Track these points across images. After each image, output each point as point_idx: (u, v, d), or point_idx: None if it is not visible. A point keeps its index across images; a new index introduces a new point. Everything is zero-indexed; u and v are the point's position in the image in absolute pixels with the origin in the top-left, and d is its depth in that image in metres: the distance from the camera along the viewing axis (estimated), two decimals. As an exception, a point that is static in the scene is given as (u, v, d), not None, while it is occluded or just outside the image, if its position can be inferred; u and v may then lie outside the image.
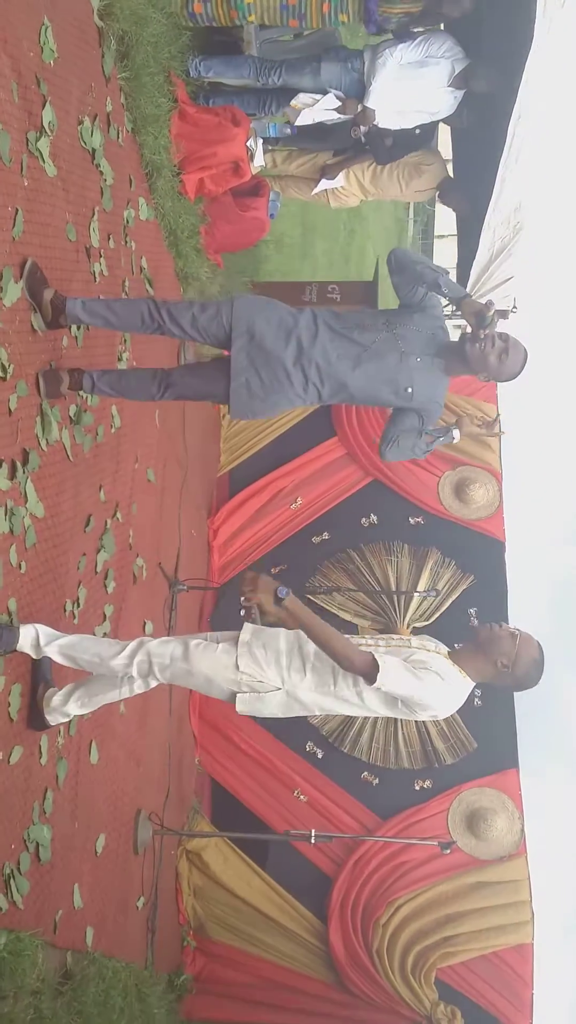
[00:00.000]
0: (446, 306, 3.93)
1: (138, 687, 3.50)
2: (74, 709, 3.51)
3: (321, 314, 3.63)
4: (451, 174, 6.81)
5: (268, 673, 3.30)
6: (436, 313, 3.72)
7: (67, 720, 3.59)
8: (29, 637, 3.25)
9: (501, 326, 3.68)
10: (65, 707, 3.47)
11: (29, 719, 3.41)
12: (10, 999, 3.07)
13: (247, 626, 3.35)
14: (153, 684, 3.48)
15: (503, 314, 7.81)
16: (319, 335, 3.57)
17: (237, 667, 3.30)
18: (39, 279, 3.38)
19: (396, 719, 6.50)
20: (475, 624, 3.37)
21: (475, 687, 3.39)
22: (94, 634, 4.11)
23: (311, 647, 3.27)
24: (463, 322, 3.94)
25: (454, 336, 3.93)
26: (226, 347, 3.64)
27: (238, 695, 3.32)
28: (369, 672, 3.11)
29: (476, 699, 6.54)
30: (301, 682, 3.30)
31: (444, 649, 3.39)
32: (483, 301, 3.61)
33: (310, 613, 3.15)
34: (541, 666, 3.37)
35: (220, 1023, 5.91)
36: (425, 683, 3.18)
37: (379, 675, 3.10)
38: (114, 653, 3.34)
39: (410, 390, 3.64)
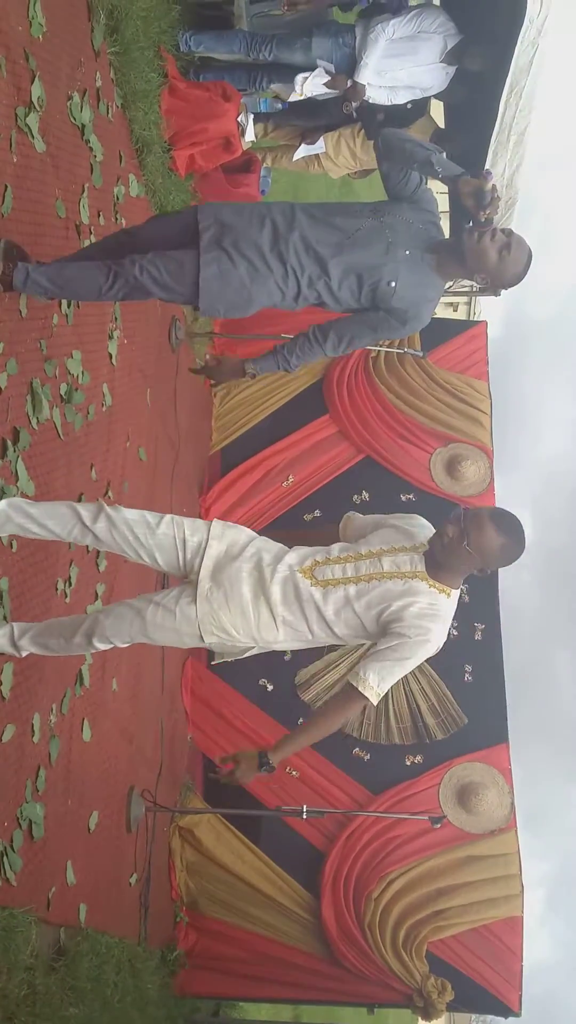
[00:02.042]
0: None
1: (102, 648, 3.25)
2: (25, 645, 3.21)
3: (298, 204, 3.25)
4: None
5: (239, 638, 3.07)
6: (429, 207, 3.30)
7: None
8: (5, 636, 3.15)
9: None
10: (19, 640, 3.19)
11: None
12: (3, 975, 3.10)
13: (204, 574, 3.03)
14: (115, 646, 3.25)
15: (495, 291, 7.80)
16: (296, 219, 3.16)
17: (202, 639, 3.07)
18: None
19: (388, 696, 6.54)
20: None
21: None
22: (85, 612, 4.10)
23: (275, 595, 3.01)
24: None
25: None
26: (193, 245, 3.18)
27: (213, 659, 3.20)
28: (361, 702, 3.01)
29: (467, 674, 6.60)
30: (274, 638, 3.09)
31: (421, 560, 3.05)
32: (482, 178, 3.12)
33: (296, 743, 3.14)
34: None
35: (213, 998, 5.98)
36: (410, 663, 3.02)
37: (371, 697, 2.98)
38: (72, 632, 3.15)
39: (393, 284, 3.16)
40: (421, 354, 7.13)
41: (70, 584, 3.95)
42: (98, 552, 4.38)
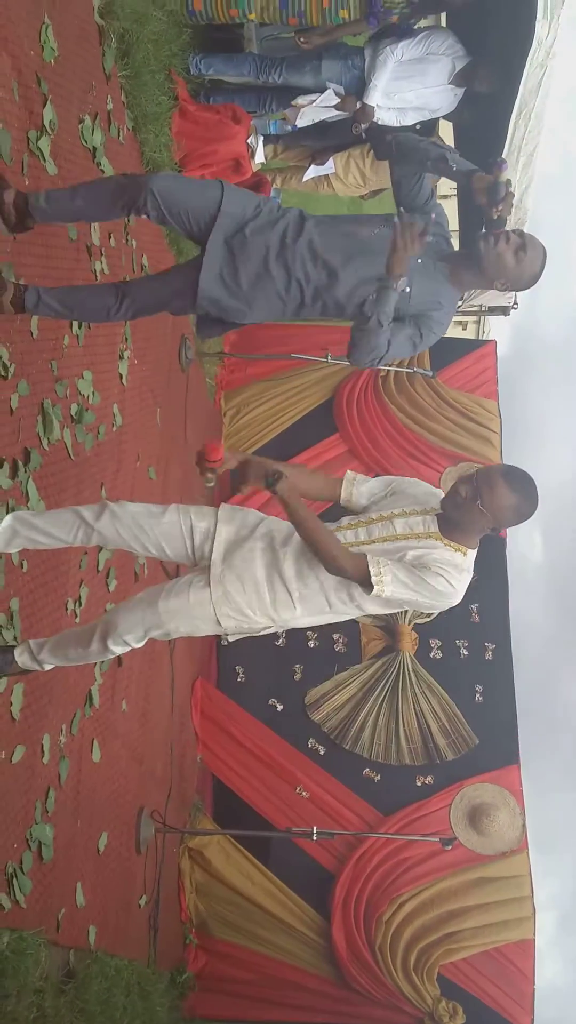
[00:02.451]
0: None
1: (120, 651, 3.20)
2: (46, 659, 3.17)
3: (309, 215, 3.18)
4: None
5: (256, 618, 3.00)
6: (440, 220, 3.24)
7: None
8: (25, 655, 3.13)
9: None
10: (39, 655, 3.16)
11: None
12: (13, 997, 3.08)
13: (216, 557, 3.00)
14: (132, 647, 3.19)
15: (504, 311, 7.83)
16: (306, 228, 3.09)
17: (219, 623, 3.00)
18: None
19: (398, 716, 6.52)
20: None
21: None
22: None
23: (289, 571, 2.96)
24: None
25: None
26: (203, 237, 3.10)
27: (228, 636, 3.10)
28: (365, 580, 2.89)
29: (478, 695, 6.58)
30: (292, 616, 3.02)
31: (434, 521, 3.01)
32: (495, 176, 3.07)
33: (299, 513, 2.94)
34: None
35: (222, 1020, 5.94)
36: (427, 586, 2.94)
37: (375, 584, 2.87)
38: (87, 640, 3.09)
39: (408, 289, 3.06)
40: (431, 373, 7.15)
41: (80, 604, 3.95)
42: (108, 571, 4.38)
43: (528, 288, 3.28)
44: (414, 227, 2.95)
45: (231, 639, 3.14)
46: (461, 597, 3.02)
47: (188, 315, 3.47)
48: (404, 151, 3.18)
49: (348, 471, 3.26)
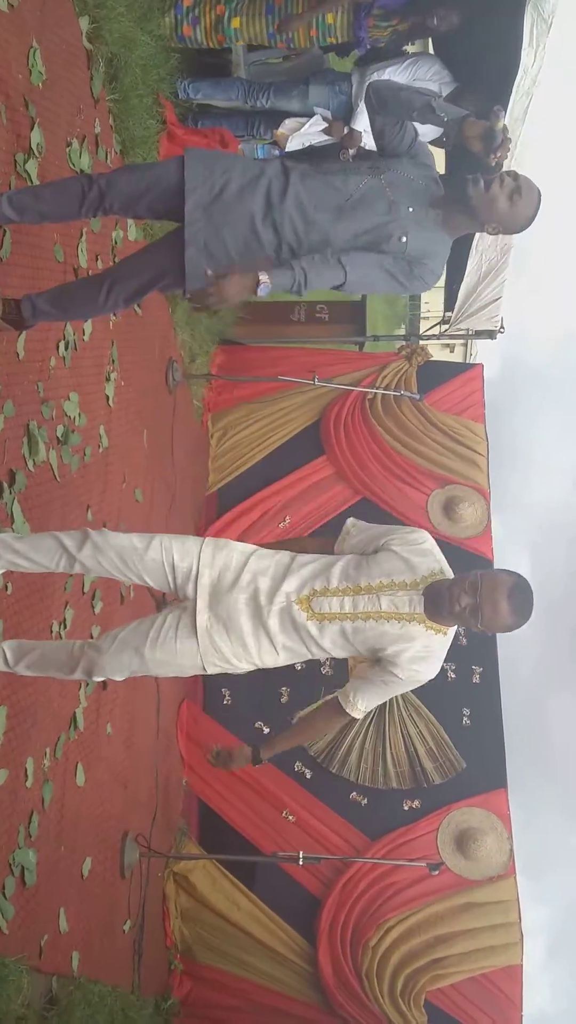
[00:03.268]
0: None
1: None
2: (22, 671, 3.19)
3: (292, 163, 3.02)
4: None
5: (239, 665, 3.02)
6: (427, 161, 3.07)
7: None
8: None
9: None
10: (15, 666, 3.16)
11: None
12: (-6, 1025, 3.05)
13: (201, 597, 2.96)
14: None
15: (491, 335, 7.86)
16: (291, 183, 2.93)
17: (204, 669, 3.02)
18: None
19: (385, 740, 6.50)
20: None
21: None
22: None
23: (274, 625, 2.95)
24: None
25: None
26: (177, 213, 2.97)
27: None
28: (344, 716, 3.11)
29: (465, 719, 6.56)
30: (275, 661, 3.04)
31: (420, 601, 2.96)
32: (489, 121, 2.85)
33: (283, 744, 3.28)
34: (516, 625, 3.04)
35: (207, 1047, 5.86)
36: (394, 689, 3.09)
37: (355, 715, 3.08)
38: (70, 668, 3.10)
39: (404, 239, 2.96)
40: (418, 396, 7.16)
41: (64, 626, 3.93)
42: (94, 594, 4.37)
43: (523, 231, 3.15)
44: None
45: (211, 671, 3.13)
46: (433, 676, 3.08)
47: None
48: (383, 101, 3.01)
49: (349, 521, 3.29)
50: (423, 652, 2.99)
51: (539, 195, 3.01)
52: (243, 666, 3.04)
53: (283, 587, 2.97)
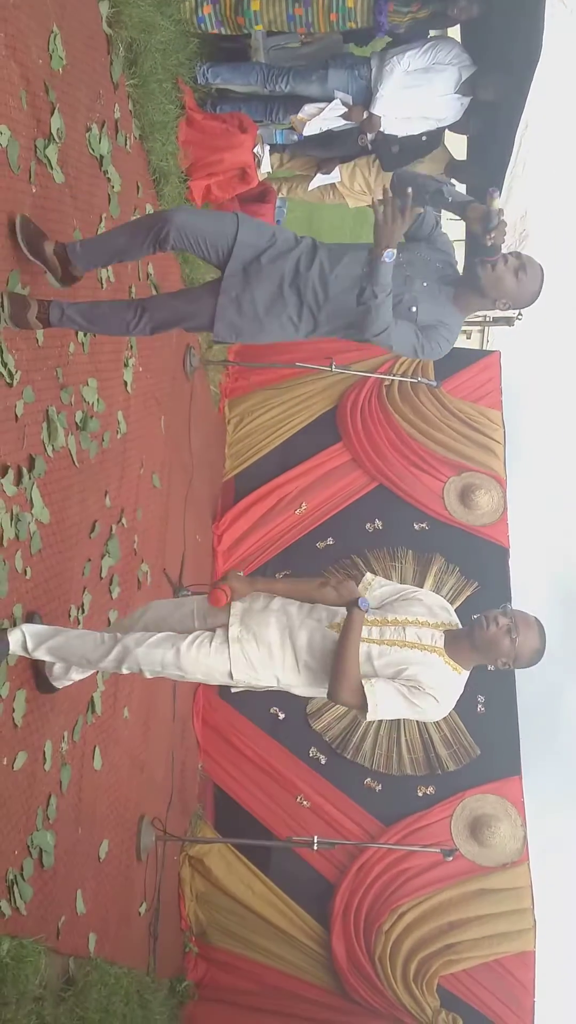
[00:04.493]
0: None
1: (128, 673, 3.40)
2: (77, 676, 3.50)
3: (321, 243, 3.35)
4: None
5: (263, 675, 3.24)
6: (445, 249, 3.43)
7: (71, 684, 3.54)
8: (17, 642, 3.19)
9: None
10: (68, 675, 3.45)
11: (37, 685, 3.41)
12: (12, 1005, 3.07)
13: (234, 613, 3.24)
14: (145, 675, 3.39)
15: (508, 321, 7.85)
16: (318, 256, 3.27)
17: (231, 675, 3.22)
18: (35, 232, 3.20)
19: (400, 726, 6.51)
20: (475, 617, 3.33)
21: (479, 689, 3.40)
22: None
23: (302, 640, 3.21)
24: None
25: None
26: (222, 262, 3.29)
27: (233, 688, 3.33)
28: (359, 707, 3.16)
29: (479, 705, 6.57)
30: (295, 679, 3.26)
31: (442, 637, 3.26)
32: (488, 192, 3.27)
33: (357, 632, 3.18)
34: (542, 651, 3.33)
35: (222, 1030, 5.90)
36: (417, 707, 3.21)
37: (370, 709, 3.14)
38: (100, 656, 3.26)
39: (414, 309, 3.30)
40: (435, 383, 7.15)
41: (83, 611, 3.95)
42: (111, 579, 4.39)
43: (530, 305, 3.45)
44: (395, 201, 3.06)
45: (236, 690, 3.37)
46: (440, 714, 3.29)
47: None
48: (404, 187, 3.25)
49: (368, 574, 3.51)
50: (442, 679, 3.24)
51: (542, 271, 3.36)
52: (265, 676, 3.24)
53: (315, 613, 3.27)
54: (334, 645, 3.15)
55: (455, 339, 3.47)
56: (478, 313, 7.56)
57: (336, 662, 3.12)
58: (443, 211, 3.43)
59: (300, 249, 3.29)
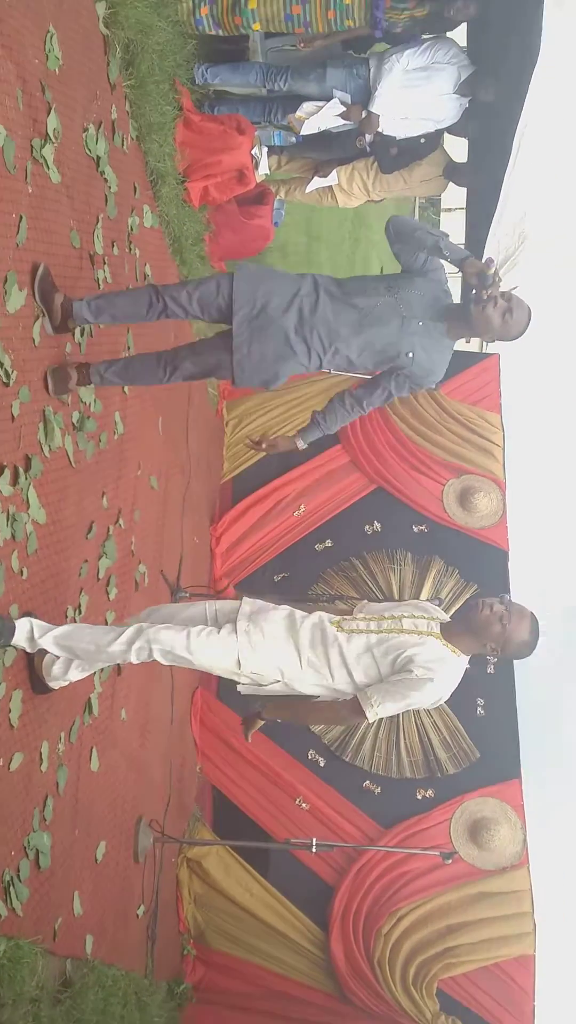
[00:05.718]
0: (450, 273, 3.90)
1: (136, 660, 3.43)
2: (75, 675, 3.50)
3: (322, 280, 3.61)
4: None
5: (268, 669, 3.35)
6: (439, 277, 3.67)
7: (68, 684, 3.56)
8: (23, 631, 3.21)
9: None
10: (67, 675, 3.46)
11: (33, 686, 3.41)
12: (9, 1006, 3.06)
13: (244, 608, 3.45)
14: (153, 659, 3.44)
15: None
16: (319, 302, 3.54)
17: (239, 665, 3.34)
18: (51, 284, 3.42)
19: (399, 729, 6.50)
20: (470, 601, 3.46)
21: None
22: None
23: (304, 638, 3.36)
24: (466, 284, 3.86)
25: (457, 298, 3.92)
26: (228, 321, 3.61)
27: (239, 684, 3.46)
28: (359, 715, 3.31)
29: (479, 708, 6.55)
30: (299, 675, 3.37)
31: (437, 625, 3.44)
32: (484, 260, 3.56)
33: (288, 710, 3.55)
34: (532, 645, 3.46)
35: (220, 1032, 5.89)
36: (414, 696, 3.31)
37: (368, 713, 3.29)
38: (111, 640, 3.32)
39: (411, 355, 3.61)
40: (434, 385, 7.14)
41: (80, 612, 3.95)
42: (109, 579, 4.38)
43: (514, 341, 3.71)
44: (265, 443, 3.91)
45: (243, 691, 3.50)
46: (440, 696, 3.40)
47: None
48: (402, 237, 3.59)
49: (363, 601, 3.82)
50: (438, 659, 3.33)
51: (529, 312, 3.59)
52: (270, 670, 3.36)
53: (317, 612, 3.48)
54: (333, 638, 3.34)
55: (445, 369, 3.80)
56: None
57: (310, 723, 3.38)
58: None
59: (299, 297, 3.55)
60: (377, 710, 3.30)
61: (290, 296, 3.55)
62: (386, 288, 3.60)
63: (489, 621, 3.37)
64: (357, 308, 3.55)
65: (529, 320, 3.61)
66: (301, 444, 3.86)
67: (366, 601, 3.72)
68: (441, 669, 3.32)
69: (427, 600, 6.71)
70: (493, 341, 3.75)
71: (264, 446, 3.94)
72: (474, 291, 3.53)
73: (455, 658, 3.37)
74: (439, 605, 6.56)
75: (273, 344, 3.55)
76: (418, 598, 6.75)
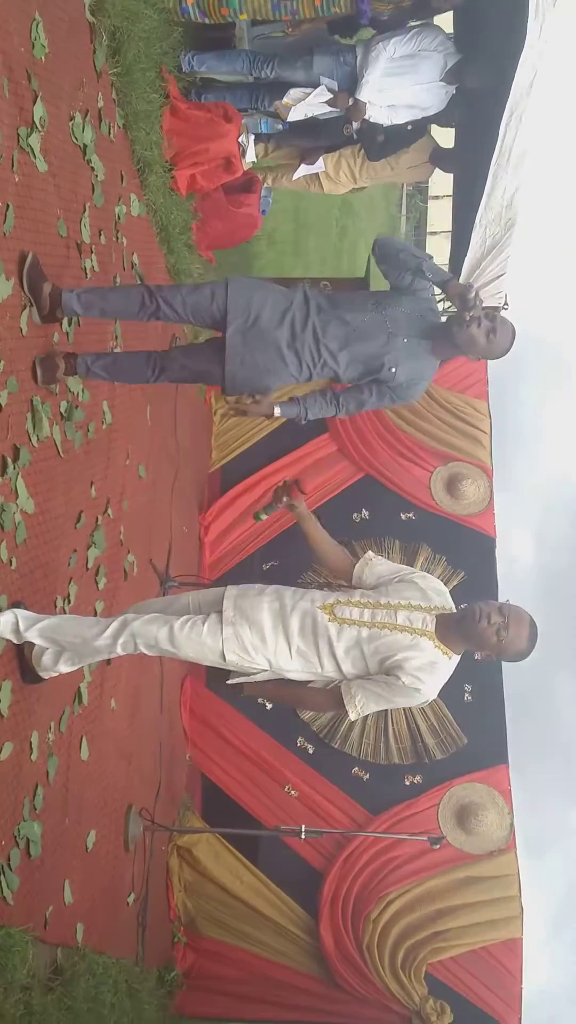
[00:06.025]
0: (439, 296, 3.95)
1: (123, 652, 3.43)
2: (65, 668, 3.44)
3: (313, 295, 3.69)
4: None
5: (256, 658, 3.30)
6: (425, 295, 3.76)
7: (58, 675, 3.52)
8: (8, 624, 3.21)
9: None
10: (56, 666, 3.42)
11: (23, 675, 3.40)
12: (0, 994, 3.08)
13: (229, 596, 3.38)
14: (140, 652, 3.42)
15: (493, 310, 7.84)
16: (310, 317, 3.63)
17: (224, 656, 3.29)
18: (39, 273, 3.41)
19: (387, 715, 6.53)
20: (467, 606, 3.37)
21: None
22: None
23: (294, 626, 3.29)
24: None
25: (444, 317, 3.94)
26: (220, 328, 3.67)
27: (229, 676, 3.43)
28: (342, 709, 3.32)
29: (467, 694, 6.59)
30: (288, 664, 3.32)
31: (433, 621, 3.32)
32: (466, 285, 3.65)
33: (273, 692, 3.55)
34: (529, 651, 3.40)
35: (210, 1019, 5.93)
36: (399, 701, 3.34)
37: (351, 712, 3.31)
38: (96, 633, 3.31)
39: (394, 370, 3.69)
40: (414, 400, 7.14)
41: (69, 601, 3.95)
42: (98, 569, 4.38)
43: (498, 359, 3.84)
44: (240, 401, 3.75)
45: (231, 682, 3.46)
46: (427, 699, 3.37)
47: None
48: (387, 258, 3.71)
49: (369, 552, 3.64)
50: (429, 665, 3.27)
51: (512, 331, 3.69)
52: (258, 660, 3.30)
53: (308, 595, 3.39)
54: (324, 628, 3.26)
55: (427, 385, 3.91)
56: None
57: (285, 699, 3.54)
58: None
59: (291, 312, 3.63)
60: (360, 710, 3.31)
61: (282, 310, 3.63)
62: (374, 304, 3.69)
63: (486, 635, 3.27)
64: (346, 323, 3.63)
65: (513, 338, 3.71)
66: (277, 412, 3.80)
67: (371, 553, 3.60)
68: (430, 678, 3.28)
69: None
70: (479, 359, 3.91)
71: (248, 402, 3.82)
72: (457, 313, 3.61)
73: (446, 660, 3.31)
74: None
75: (265, 357, 3.63)
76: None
